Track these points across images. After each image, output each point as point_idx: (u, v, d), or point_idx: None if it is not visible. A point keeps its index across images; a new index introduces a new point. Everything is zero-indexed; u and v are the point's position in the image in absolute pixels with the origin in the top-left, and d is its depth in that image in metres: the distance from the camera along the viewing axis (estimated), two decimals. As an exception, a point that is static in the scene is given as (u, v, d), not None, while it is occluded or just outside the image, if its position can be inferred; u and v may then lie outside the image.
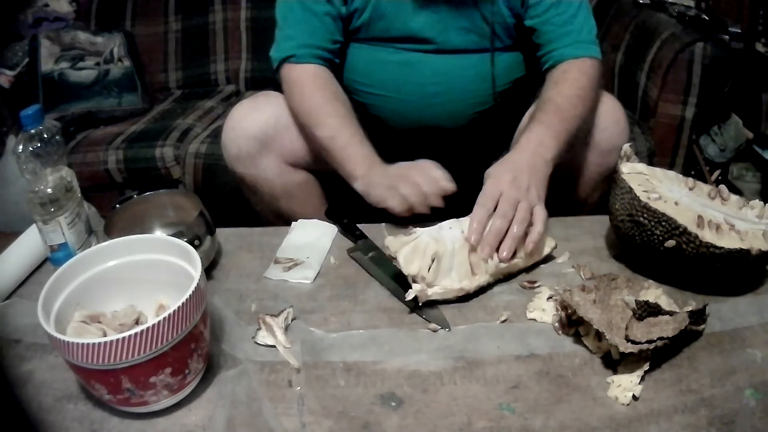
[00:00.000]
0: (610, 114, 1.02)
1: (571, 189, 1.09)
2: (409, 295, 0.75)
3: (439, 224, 0.82)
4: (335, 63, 1.08)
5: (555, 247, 0.85)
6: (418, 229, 0.81)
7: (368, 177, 0.93)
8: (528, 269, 0.84)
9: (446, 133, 1.14)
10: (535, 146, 0.88)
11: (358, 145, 0.97)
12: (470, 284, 0.78)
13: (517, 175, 0.84)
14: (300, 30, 1.04)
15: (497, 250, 0.80)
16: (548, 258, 0.85)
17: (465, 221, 0.82)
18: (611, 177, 1.06)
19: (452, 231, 0.81)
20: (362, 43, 1.09)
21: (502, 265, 0.79)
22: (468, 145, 1.16)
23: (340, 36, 1.07)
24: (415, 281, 0.76)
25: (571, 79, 0.98)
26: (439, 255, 0.77)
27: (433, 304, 0.78)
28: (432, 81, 1.08)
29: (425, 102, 1.09)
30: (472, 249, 0.79)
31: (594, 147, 1.03)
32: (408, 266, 0.75)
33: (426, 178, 0.89)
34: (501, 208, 0.81)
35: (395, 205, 0.88)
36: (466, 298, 0.78)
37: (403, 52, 1.07)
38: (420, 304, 0.77)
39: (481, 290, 0.80)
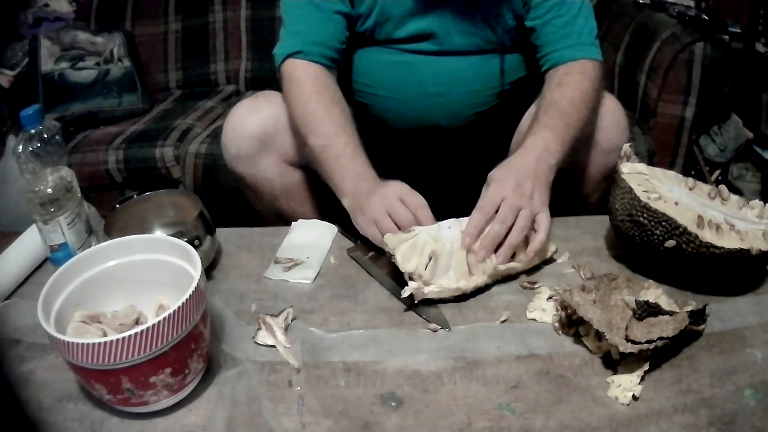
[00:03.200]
0: (611, 114, 1.02)
1: (572, 189, 1.09)
2: (405, 293, 0.76)
3: (439, 223, 0.82)
4: (340, 63, 1.06)
5: (555, 251, 0.85)
6: (417, 227, 0.81)
7: (355, 195, 0.88)
8: (528, 271, 0.84)
9: (447, 134, 1.14)
10: (540, 151, 0.87)
11: (350, 157, 0.92)
12: (467, 285, 0.78)
13: (522, 181, 0.82)
14: (308, 27, 1.01)
15: (495, 252, 0.80)
16: (548, 260, 0.85)
17: (465, 221, 0.82)
18: (612, 177, 1.07)
19: (451, 230, 0.81)
20: (365, 45, 1.09)
21: (501, 267, 0.79)
22: (468, 146, 1.16)
23: (347, 36, 1.05)
24: (412, 279, 0.76)
25: (574, 82, 0.96)
26: (436, 254, 0.77)
27: (432, 303, 0.78)
28: (433, 82, 1.08)
29: (426, 102, 1.09)
30: (471, 250, 0.79)
31: (595, 147, 1.03)
32: (405, 264, 0.76)
33: (408, 204, 0.83)
34: (501, 214, 0.80)
35: (375, 240, 0.84)
36: (463, 297, 0.79)
37: (406, 53, 1.07)
38: (416, 302, 0.77)
39: (480, 290, 0.80)
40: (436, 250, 0.77)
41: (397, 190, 0.85)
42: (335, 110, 0.97)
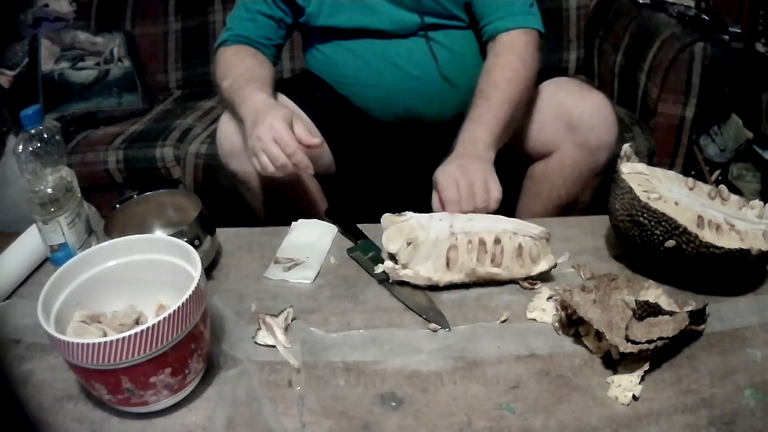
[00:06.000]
0: (598, 111, 1.02)
1: (561, 188, 1.09)
2: (378, 269, 0.81)
3: (431, 214, 0.84)
4: (272, 57, 1.16)
5: (555, 266, 0.81)
6: (410, 213, 0.83)
7: (247, 123, 0.95)
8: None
9: (434, 129, 1.14)
10: (470, 145, 0.93)
11: (251, 90, 0.99)
12: (441, 278, 0.80)
13: (465, 167, 0.88)
14: (237, 24, 1.14)
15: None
16: (535, 276, 0.81)
17: (457, 216, 0.83)
18: (602, 175, 1.07)
19: (441, 223, 0.82)
20: (340, 38, 1.12)
21: (480, 270, 0.79)
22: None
23: (277, 38, 1.15)
24: (394, 259, 0.79)
25: (500, 64, 1.00)
26: (418, 241, 0.79)
27: (431, 303, 0.78)
28: (409, 64, 1.09)
29: (405, 87, 1.10)
30: (453, 246, 0.80)
31: (582, 145, 1.03)
32: (389, 244, 0.79)
33: (279, 144, 0.90)
34: (464, 195, 0.86)
35: (258, 171, 0.94)
36: (435, 288, 0.80)
37: (377, 40, 1.09)
38: (390, 281, 0.81)
39: (480, 290, 0.80)
40: (418, 237, 0.80)
41: (273, 130, 0.90)
42: (248, 60, 1.08)
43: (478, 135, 0.94)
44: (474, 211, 0.86)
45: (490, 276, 0.80)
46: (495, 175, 0.90)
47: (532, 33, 1.02)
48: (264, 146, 0.90)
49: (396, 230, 0.80)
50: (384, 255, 0.81)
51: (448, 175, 0.89)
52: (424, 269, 0.79)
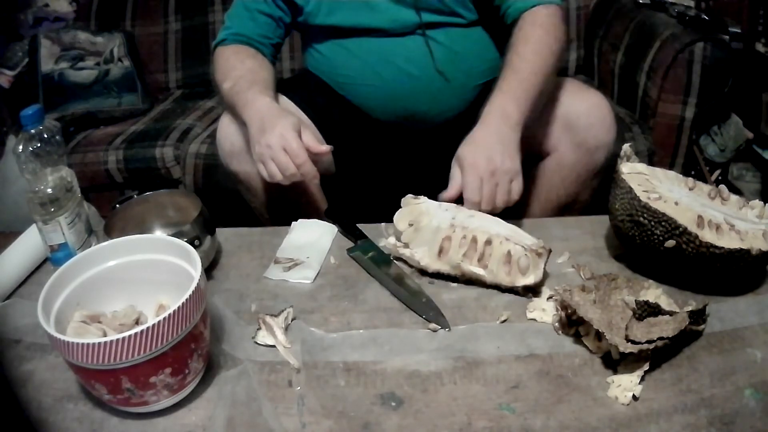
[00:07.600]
0: (596, 111, 1.02)
1: (560, 189, 1.09)
2: (380, 242, 0.90)
3: (440, 203, 0.87)
4: (271, 57, 1.16)
5: (541, 281, 0.78)
6: (424, 198, 0.88)
7: (252, 128, 0.95)
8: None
9: (435, 128, 1.14)
10: (498, 117, 0.90)
11: (254, 93, 0.98)
12: (430, 265, 0.83)
13: (491, 155, 0.86)
14: (235, 22, 1.15)
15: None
16: (525, 288, 0.79)
17: (461, 209, 0.86)
18: (601, 175, 1.07)
19: (446, 213, 0.85)
20: (339, 37, 1.12)
21: (464, 266, 0.80)
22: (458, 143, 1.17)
23: (276, 36, 1.16)
24: (398, 238, 0.86)
25: (524, 37, 0.98)
26: (420, 225, 0.85)
27: (432, 304, 0.78)
28: (408, 63, 1.09)
29: (403, 86, 1.10)
30: (447, 237, 0.82)
31: (580, 144, 1.03)
32: (399, 222, 0.86)
33: (289, 153, 0.90)
34: (485, 199, 0.86)
35: (265, 178, 0.94)
36: (425, 273, 0.84)
37: (375, 39, 1.09)
38: (391, 257, 0.87)
39: (480, 290, 0.80)
40: (421, 221, 0.85)
41: (283, 139, 0.90)
42: (248, 61, 1.08)
43: (509, 110, 0.90)
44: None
45: (474, 275, 0.80)
46: (520, 172, 0.88)
47: (552, 7, 1.02)
48: (273, 154, 0.90)
49: (407, 211, 0.87)
50: (391, 230, 0.88)
51: (475, 168, 0.86)
52: (420, 253, 0.83)
